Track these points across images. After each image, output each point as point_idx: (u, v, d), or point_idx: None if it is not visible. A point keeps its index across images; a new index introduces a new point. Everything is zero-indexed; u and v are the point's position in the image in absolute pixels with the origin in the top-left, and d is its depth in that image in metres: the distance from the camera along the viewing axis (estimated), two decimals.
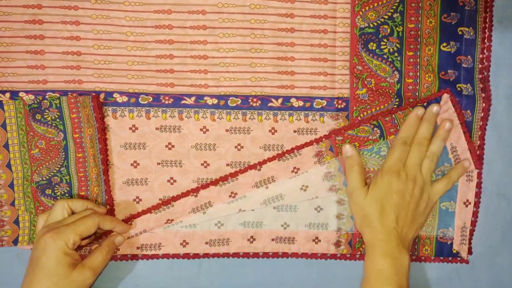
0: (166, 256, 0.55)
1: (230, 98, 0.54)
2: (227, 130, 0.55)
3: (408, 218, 0.51)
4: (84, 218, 0.48)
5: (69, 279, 0.46)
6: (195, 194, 0.54)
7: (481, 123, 0.55)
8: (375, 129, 0.53)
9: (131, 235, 0.54)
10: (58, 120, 0.52)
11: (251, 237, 0.55)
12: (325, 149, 0.54)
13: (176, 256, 0.55)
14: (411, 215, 0.51)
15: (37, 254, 0.46)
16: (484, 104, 0.55)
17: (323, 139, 0.54)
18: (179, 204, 0.54)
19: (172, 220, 0.54)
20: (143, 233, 0.54)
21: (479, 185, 0.56)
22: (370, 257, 0.51)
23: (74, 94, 0.53)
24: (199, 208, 0.54)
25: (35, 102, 0.52)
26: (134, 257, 0.55)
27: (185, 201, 0.54)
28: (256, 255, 0.56)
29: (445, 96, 0.54)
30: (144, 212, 0.54)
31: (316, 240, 0.56)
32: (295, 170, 0.54)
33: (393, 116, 0.53)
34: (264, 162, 0.54)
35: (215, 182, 0.54)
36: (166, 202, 0.54)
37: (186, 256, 0.55)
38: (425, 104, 0.54)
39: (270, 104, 0.55)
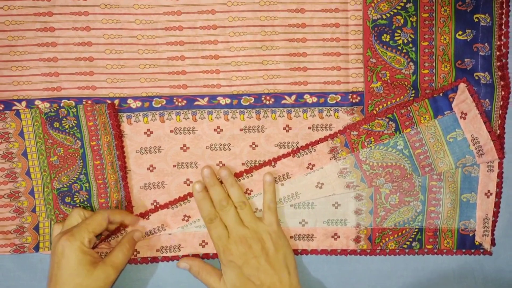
0: (186, 257, 0.55)
1: (243, 97, 0.54)
2: (241, 130, 0.54)
3: (269, 272, 0.50)
4: (93, 215, 0.49)
5: (92, 277, 0.46)
6: None
7: (500, 111, 0.53)
8: (390, 122, 0.53)
9: (149, 231, 0.54)
10: (75, 128, 0.53)
11: None
12: (340, 145, 0.53)
13: (196, 256, 0.55)
14: (270, 266, 0.50)
15: (57, 259, 0.46)
16: (503, 92, 0.53)
17: (338, 134, 0.54)
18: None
19: (189, 217, 0.54)
20: (161, 230, 0.54)
21: (500, 175, 0.54)
22: None
23: (90, 102, 0.53)
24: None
25: (52, 110, 0.52)
26: (154, 259, 0.55)
27: None
28: None
29: (462, 86, 0.52)
30: (161, 207, 0.54)
31: (335, 236, 0.56)
32: (310, 167, 0.53)
33: (408, 108, 0.52)
34: (279, 158, 0.54)
35: None
36: (183, 197, 0.54)
37: (206, 256, 0.55)
38: (441, 94, 0.53)
39: (283, 102, 0.54)
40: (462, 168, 0.55)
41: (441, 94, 0.52)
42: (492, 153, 0.53)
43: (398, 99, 0.53)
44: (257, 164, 0.54)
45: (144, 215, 0.54)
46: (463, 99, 0.52)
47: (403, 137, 0.53)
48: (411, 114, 0.52)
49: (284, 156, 0.54)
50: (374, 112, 0.54)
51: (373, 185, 0.54)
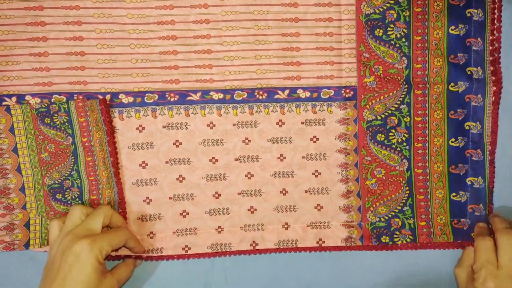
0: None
1: (236, 92, 0.54)
2: (234, 125, 0.54)
3: None
4: (118, 231, 0.49)
5: (101, 286, 0.46)
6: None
7: (492, 107, 0.53)
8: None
9: (149, 253, 0.55)
10: (67, 124, 0.52)
11: (253, 241, 0.55)
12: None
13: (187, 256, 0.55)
14: None
15: (70, 260, 0.45)
16: (495, 88, 0.53)
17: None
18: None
19: (189, 248, 0.54)
20: (159, 252, 0.54)
21: (492, 170, 0.55)
22: None
23: (81, 97, 0.52)
24: (217, 246, 0.55)
25: (43, 106, 0.52)
26: (149, 257, 0.55)
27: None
28: (266, 250, 0.55)
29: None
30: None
31: (320, 242, 0.56)
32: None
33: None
34: None
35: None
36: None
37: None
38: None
39: (276, 96, 0.54)
40: (448, 167, 0.55)
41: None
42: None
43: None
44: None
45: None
46: None
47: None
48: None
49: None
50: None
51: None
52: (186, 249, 0.55)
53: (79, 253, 0.45)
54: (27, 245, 0.53)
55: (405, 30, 0.53)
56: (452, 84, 0.53)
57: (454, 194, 0.55)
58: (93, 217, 0.49)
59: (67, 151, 0.52)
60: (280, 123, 0.54)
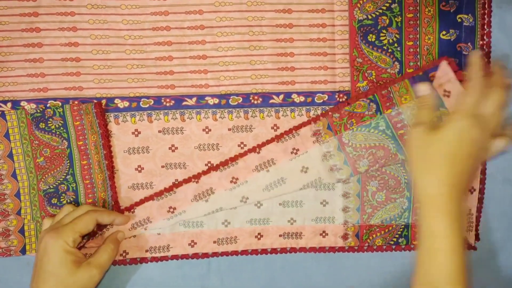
0: (175, 257, 0.55)
1: (231, 97, 0.54)
2: (229, 129, 0.55)
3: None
4: (82, 216, 0.48)
5: (75, 277, 0.46)
6: (196, 180, 0.54)
7: None
8: (371, 104, 0.53)
9: (135, 224, 0.53)
10: (62, 128, 0.52)
11: (259, 233, 0.56)
12: (323, 128, 0.54)
13: (185, 256, 0.55)
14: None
15: (39, 256, 0.47)
16: None
17: (320, 117, 0.54)
18: (181, 190, 0.54)
19: (175, 208, 0.54)
20: (147, 222, 0.53)
21: (483, 172, 0.56)
22: (429, 215, 0.44)
23: (76, 102, 0.53)
24: (201, 195, 0.54)
25: (38, 111, 0.52)
26: (143, 260, 0.55)
27: (186, 187, 0.54)
28: (264, 251, 0.56)
29: (444, 64, 0.52)
30: (146, 199, 0.54)
31: (324, 234, 0.56)
32: (295, 151, 0.54)
33: (389, 89, 0.53)
34: (263, 144, 0.54)
35: (215, 168, 0.54)
36: (168, 189, 0.54)
37: (195, 256, 0.55)
38: (421, 73, 0.53)
39: (271, 101, 0.55)
40: None
41: (421, 73, 0.53)
42: None
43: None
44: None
45: (129, 208, 0.54)
46: (445, 77, 0.52)
47: (384, 118, 0.53)
48: (391, 95, 0.53)
49: (268, 142, 0.54)
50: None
51: (356, 168, 0.54)
52: (192, 244, 0.55)
53: (44, 248, 0.46)
54: (23, 251, 0.53)
55: (397, 36, 0.54)
56: None
57: (444, 32, 0.54)
58: (69, 214, 0.49)
59: (63, 155, 0.52)
60: (275, 128, 0.55)
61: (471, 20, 0.54)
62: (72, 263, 0.46)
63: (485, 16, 0.54)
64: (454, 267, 0.43)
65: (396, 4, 0.53)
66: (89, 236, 0.52)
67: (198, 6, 0.53)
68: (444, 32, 0.54)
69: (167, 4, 0.53)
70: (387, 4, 0.53)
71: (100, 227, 0.52)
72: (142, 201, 0.54)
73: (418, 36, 0.54)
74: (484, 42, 0.54)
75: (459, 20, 0.54)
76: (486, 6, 0.54)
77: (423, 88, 0.51)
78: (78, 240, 0.47)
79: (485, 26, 0.54)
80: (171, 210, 0.54)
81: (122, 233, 0.52)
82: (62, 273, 0.46)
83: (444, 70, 0.52)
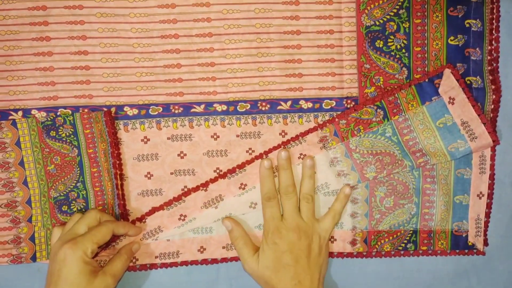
0: (185, 263, 0.56)
1: (239, 103, 0.55)
2: (237, 136, 0.55)
3: (305, 269, 0.51)
4: (99, 227, 0.49)
5: (93, 285, 0.47)
6: (204, 188, 0.54)
7: (492, 115, 0.54)
8: (378, 110, 0.53)
9: (146, 234, 0.54)
10: (72, 136, 0.53)
11: None
12: (330, 134, 0.54)
13: (194, 262, 0.56)
14: (307, 264, 0.51)
15: (58, 266, 0.47)
16: (494, 96, 0.54)
17: (327, 124, 0.54)
18: (190, 199, 0.54)
19: (185, 216, 0.54)
20: (158, 231, 0.54)
21: (492, 177, 0.55)
22: None
23: (86, 110, 0.53)
24: (210, 202, 0.54)
25: (48, 119, 0.52)
26: (153, 266, 0.55)
27: (195, 196, 0.54)
28: None
29: (447, 71, 0.53)
30: (156, 209, 0.54)
31: (332, 240, 0.56)
32: (302, 157, 0.54)
33: (396, 95, 0.53)
34: (270, 151, 0.55)
35: (223, 175, 0.54)
36: (177, 198, 0.54)
37: (204, 262, 0.56)
38: (426, 80, 0.53)
39: (279, 107, 0.55)
40: (455, 170, 0.56)
41: (426, 80, 0.53)
42: (485, 136, 0.52)
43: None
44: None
45: (141, 219, 0.54)
46: (449, 84, 0.53)
47: (391, 125, 0.54)
48: (398, 101, 0.53)
49: (275, 148, 0.55)
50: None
51: (364, 174, 0.54)
52: (201, 250, 0.55)
53: (64, 258, 0.46)
54: (34, 258, 0.54)
55: (405, 41, 0.54)
56: None
57: (452, 37, 0.54)
58: (79, 221, 0.50)
59: (73, 163, 0.53)
60: (283, 134, 0.55)
61: (479, 25, 0.54)
62: (90, 273, 0.47)
63: (494, 21, 0.54)
64: None
65: (403, 10, 0.53)
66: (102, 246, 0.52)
67: (206, 14, 0.53)
68: (452, 38, 0.54)
69: (175, 12, 0.53)
70: (395, 10, 0.53)
71: (113, 237, 0.52)
72: (152, 211, 0.54)
73: (426, 41, 0.54)
74: (493, 47, 0.54)
75: (467, 25, 0.54)
76: (495, 11, 0.54)
77: (227, 224, 0.54)
78: (95, 251, 0.48)
79: (494, 31, 0.54)
80: (182, 217, 0.54)
81: (138, 244, 0.53)
82: (82, 282, 0.46)
83: (448, 78, 0.52)
